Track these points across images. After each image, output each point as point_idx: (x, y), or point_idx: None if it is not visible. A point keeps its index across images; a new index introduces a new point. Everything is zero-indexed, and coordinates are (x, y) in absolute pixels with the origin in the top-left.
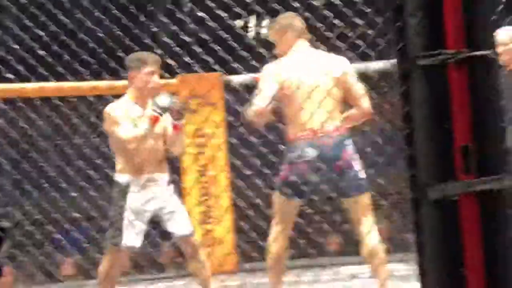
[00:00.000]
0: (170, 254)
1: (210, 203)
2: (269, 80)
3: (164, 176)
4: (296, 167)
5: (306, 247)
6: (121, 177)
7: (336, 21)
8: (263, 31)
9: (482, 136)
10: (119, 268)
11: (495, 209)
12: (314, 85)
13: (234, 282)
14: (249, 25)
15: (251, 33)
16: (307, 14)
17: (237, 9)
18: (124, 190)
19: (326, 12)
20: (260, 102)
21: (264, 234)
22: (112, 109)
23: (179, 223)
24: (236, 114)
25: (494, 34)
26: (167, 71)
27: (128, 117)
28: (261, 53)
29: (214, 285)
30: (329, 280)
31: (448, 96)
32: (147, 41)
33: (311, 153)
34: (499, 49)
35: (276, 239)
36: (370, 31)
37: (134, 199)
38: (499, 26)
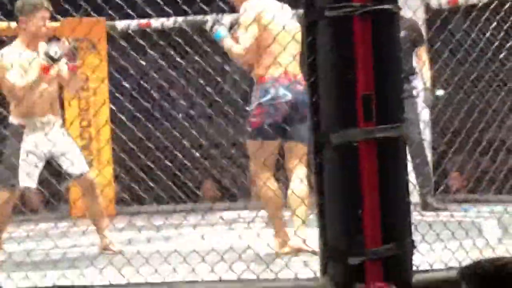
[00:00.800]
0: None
1: (91, 156)
2: (251, 18)
3: (57, 119)
4: (274, 107)
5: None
6: (14, 120)
7: None
8: None
9: (383, 86)
10: (11, 208)
11: (392, 155)
12: (291, 30)
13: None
14: None
15: None
16: None
17: None
18: (17, 132)
19: None
20: (246, 41)
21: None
22: (2, 55)
23: (74, 163)
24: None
25: None
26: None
27: (19, 63)
28: None
29: (105, 223)
30: (211, 224)
31: (352, 47)
32: None
33: (289, 95)
34: None
35: (266, 184)
36: None
37: (27, 141)
38: None
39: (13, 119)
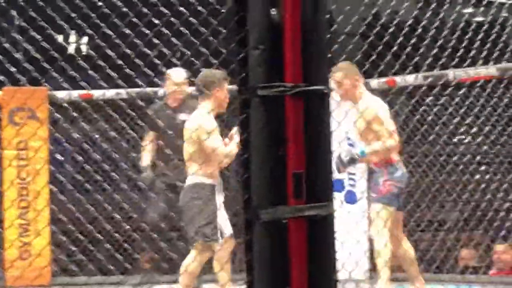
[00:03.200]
0: None
1: (30, 216)
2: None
3: None
4: (400, 183)
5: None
6: (207, 180)
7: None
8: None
9: (313, 164)
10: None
11: (321, 234)
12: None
13: None
14: (70, 40)
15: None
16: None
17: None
18: (213, 191)
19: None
20: (392, 134)
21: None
22: (204, 121)
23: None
24: (61, 129)
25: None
26: None
27: (216, 130)
28: (82, 66)
29: None
30: None
31: (284, 126)
32: None
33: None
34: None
35: (387, 244)
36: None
37: (219, 198)
38: (333, 64)
39: (204, 179)
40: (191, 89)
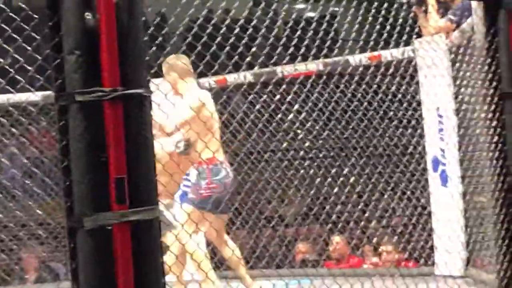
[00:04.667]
0: None
1: None
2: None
3: None
4: (222, 185)
5: None
6: None
7: None
8: None
9: (136, 169)
10: None
11: (147, 238)
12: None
13: None
14: None
15: None
16: None
17: None
18: None
19: None
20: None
21: None
22: None
23: None
24: None
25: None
26: None
27: None
28: None
29: None
30: None
31: (104, 131)
32: None
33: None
34: None
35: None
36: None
37: None
38: (150, 67)
39: None
40: None
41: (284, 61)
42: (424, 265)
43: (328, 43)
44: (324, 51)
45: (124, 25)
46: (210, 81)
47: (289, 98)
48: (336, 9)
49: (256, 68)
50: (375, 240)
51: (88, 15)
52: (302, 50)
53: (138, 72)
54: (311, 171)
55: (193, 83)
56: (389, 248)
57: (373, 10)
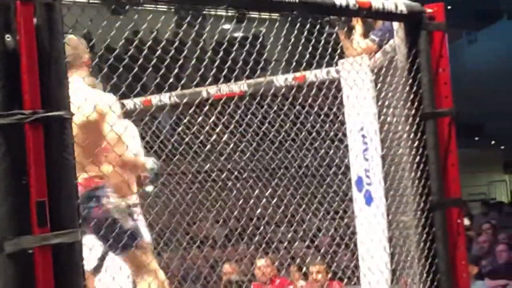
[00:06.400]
0: None
1: None
2: None
3: None
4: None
5: None
6: None
7: None
8: None
9: (57, 192)
10: None
11: (68, 261)
12: None
13: None
14: None
15: None
16: None
17: None
18: None
19: None
20: None
21: None
22: None
23: None
24: None
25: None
26: None
27: None
28: None
29: None
30: None
31: (25, 153)
32: None
33: None
34: None
35: None
36: None
37: None
38: (68, 88)
39: None
40: None
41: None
42: (348, 285)
43: (251, 63)
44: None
45: (45, 47)
46: (136, 102)
47: (212, 119)
48: (261, 29)
49: (180, 89)
50: (299, 260)
51: (8, 37)
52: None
53: (60, 94)
54: (235, 192)
55: (79, 81)
56: (317, 268)
57: (295, 32)
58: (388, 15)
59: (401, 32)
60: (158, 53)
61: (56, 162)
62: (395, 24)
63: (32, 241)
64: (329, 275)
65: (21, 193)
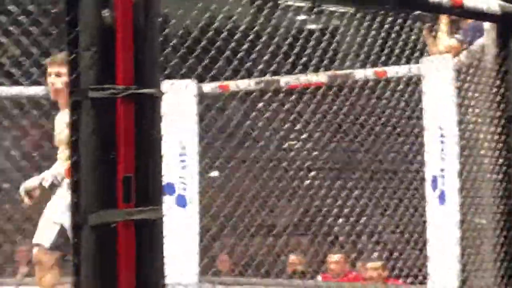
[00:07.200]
0: None
1: None
2: None
3: None
4: None
5: None
6: None
7: None
8: None
9: (143, 168)
10: None
11: (150, 237)
12: None
13: None
14: None
15: None
16: None
17: None
18: None
19: None
20: None
21: None
22: None
23: None
24: None
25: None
26: None
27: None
28: None
29: None
30: None
31: (115, 129)
32: None
33: None
34: None
35: None
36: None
37: None
38: (163, 68)
39: None
40: None
41: (284, 70)
42: (412, 284)
43: (329, 54)
44: (325, 62)
45: (141, 25)
46: (211, 86)
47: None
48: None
49: (255, 76)
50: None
51: (106, 13)
52: (303, 60)
53: (152, 72)
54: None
55: None
56: (376, 264)
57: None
58: (481, 15)
59: (492, 33)
60: (234, 38)
61: (145, 139)
62: (486, 25)
63: (116, 215)
64: (393, 273)
65: (108, 167)
